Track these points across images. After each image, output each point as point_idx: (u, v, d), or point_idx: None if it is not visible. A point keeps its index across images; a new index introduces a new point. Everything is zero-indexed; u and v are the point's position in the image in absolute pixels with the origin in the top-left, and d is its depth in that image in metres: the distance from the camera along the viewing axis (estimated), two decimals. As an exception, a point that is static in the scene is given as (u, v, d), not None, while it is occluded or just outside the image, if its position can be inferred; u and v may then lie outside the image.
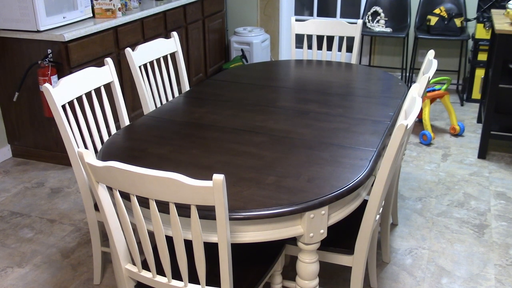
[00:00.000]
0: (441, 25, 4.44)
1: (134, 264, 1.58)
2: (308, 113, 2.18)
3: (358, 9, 5.18)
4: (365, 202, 1.74)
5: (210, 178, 1.22)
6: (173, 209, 1.31)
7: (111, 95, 3.14)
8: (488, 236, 2.66)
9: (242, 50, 5.03)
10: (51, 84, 3.04)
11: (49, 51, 3.13)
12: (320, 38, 4.74)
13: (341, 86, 2.56)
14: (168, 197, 1.28)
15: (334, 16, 5.29)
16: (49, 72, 3.07)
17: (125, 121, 2.29)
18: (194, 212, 1.30)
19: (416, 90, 1.82)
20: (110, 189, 1.45)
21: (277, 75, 2.77)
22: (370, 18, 4.80)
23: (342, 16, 5.23)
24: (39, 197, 3.11)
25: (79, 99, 2.07)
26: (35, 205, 3.01)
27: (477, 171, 3.34)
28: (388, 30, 4.67)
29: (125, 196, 1.46)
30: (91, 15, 3.53)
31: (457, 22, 4.46)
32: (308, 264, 1.64)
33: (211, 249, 1.60)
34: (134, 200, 1.36)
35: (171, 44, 2.72)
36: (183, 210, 1.39)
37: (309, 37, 5.01)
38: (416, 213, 2.87)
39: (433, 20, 4.47)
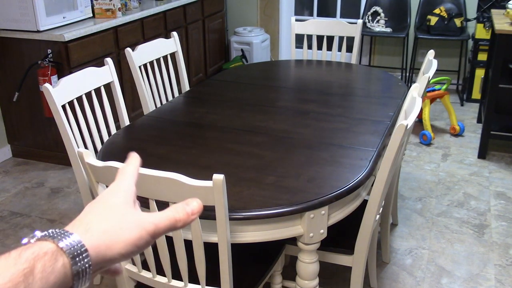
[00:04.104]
0: (441, 25, 4.44)
1: (134, 264, 1.58)
2: (308, 113, 2.18)
3: (358, 9, 5.18)
4: (365, 202, 1.74)
5: (210, 178, 1.22)
6: (173, 209, 1.31)
7: (111, 95, 3.13)
8: (488, 236, 2.66)
9: (242, 50, 5.03)
10: (51, 84, 3.03)
11: (49, 51, 3.13)
12: (320, 38, 4.74)
13: (341, 86, 2.56)
14: (168, 197, 1.28)
15: (334, 16, 5.29)
16: (49, 72, 3.07)
17: (125, 121, 2.29)
18: (194, 212, 1.29)
19: (416, 90, 1.82)
20: (110, 189, 1.45)
21: (277, 75, 2.77)
22: (370, 18, 4.79)
23: (342, 16, 5.23)
24: (39, 197, 3.11)
25: (79, 99, 2.06)
26: (35, 205, 3.01)
27: (477, 171, 3.34)
28: (388, 30, 4.67)
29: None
30: (91, 15, 3.53)
31: (457, 22, 4.46)
32: (308, 264, 1.64)
33: (211, 249, 1.60)
34: (134, 200, 1.36)
35: (171, 44, 2.72)
36: (183, 210, 1.39)
37: (309, 37, 5.01)
38: (416, 213, 2.87)
39: (433, 20, 4.47)
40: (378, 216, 1.85)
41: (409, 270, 2.40)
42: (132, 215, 0.54)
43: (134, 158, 0.67)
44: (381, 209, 2.06)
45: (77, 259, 0.47)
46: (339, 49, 3.37)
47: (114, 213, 0.54)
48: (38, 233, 0.49)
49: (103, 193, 0.58)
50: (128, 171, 0.63)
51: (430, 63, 2.25)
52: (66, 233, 0.49)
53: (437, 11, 4.50)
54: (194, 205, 0.58)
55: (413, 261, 2.47)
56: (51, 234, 0.48)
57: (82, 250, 0.48)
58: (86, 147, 2.12)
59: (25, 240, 0.49)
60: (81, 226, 0.51)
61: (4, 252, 0.47)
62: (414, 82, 2.35)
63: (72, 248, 0.48)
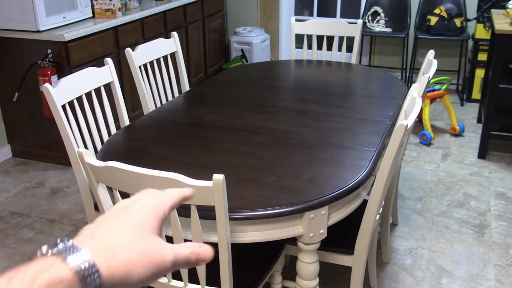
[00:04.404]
0: (441, 25, 4.44)
1: (134, 264, 1.58)
2: (308, 113, 2.18)
3: (358, 9, 5.18)
4: (365, 202, 1.74)
5: (210, 178, 1.22)
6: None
7: (111, 95, 3.14)
8: (488, 236, 2.66)
9: (242, 50, 5.03)
10: (51, 84, 3.03)
11: (49, 51, 3.13)
12: (320, 38, 4.74)
13: (341, 86, 2.56)
14: (168, 197, 1.28)
15: (334, 16, 5.29)
16: (49, 72, 3.07)
17: (125, 121, 2.29)
18: (194, 212, 1.30)
19: (416, 90, 1.82)
20: (110, 189, 1.45)
21: (277, 75, 2.77)
22: (370, 18, 4.79)
23: (342, 16, 5.23)
24: (39, 197, 3.11)
25: (79, 99, 2.06)
26: (35, 205, 3.01)
27: (477, 171, 3.34)
28: (388, 30, 4.67)
29: (125, 196, 1.45)
30: (91, 15, 3.53)
31: (457, 22, 4.46)
32: (308, 264, 1.64)
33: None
34: (134, 200, 1.36)
35: (171, 44, 2.72)
36: (183, 210, 1.39)
37: (309, 37, 5.01)
38: (416, 213, 2.87)
39: (433, 20, 4.47)
40: (378, 216, 1.85)
41: (409, 270, 2.40)
42: (155, 247, 0.51)
43: (188, 189, 0.62)
44: (381, 209, 2.06)
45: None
46: (339, 49, 3.37)
47: (138, 239, 0.50)
48: (60, 245, 0.47)
49: (133, 200, 0.55)
50: (174, 191, 0.58)
51: (430, 63, 2.25)
52: (84, 255, 0.47)
53: (437, 11, 4.50)
54: (206, 249, 0.55)
55: (413, 261, 2.47)
56: (69, 253, 0.47)
57: (96, 281, 0.46)
58: (86, 147, 2.12)
59: (44, 249, 0.47)
60: (102, 245, 0.49)
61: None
62: (414, 82, 2.35)
63: (88, 278, 0.46)
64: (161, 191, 0.57)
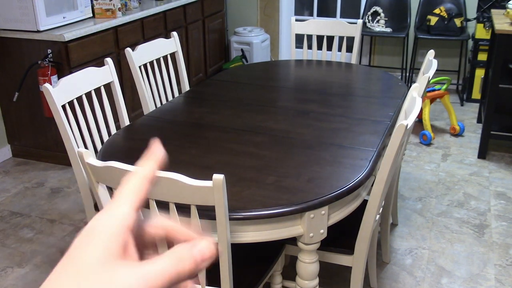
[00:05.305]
0: (441, 25, 4.44)
1: (134, 264, 1.58)
2: (308, 113, 2.18)
3: (358, 9, 5.18)
4: (365, 202, 1.74)
5: (210, 178, 1.22)
6: (173, 209, 1.31)
7: (111, 95, 3.14)
8: (488, 236, 2.66)
9: (242, 50, 5.03)
10: (51, 84, 3.03)
11: (49, 51, 3.13)
12: (320, 38, 4.74)
13: (341, 86, 2.56)
14: (168, 197, 1.28)
15: (334, 16, 5.29)
16: (49, 72, 3.07)
17: (125, 121, 2.29)
18: (194, 212, 1.30)
19: (416, 90, 1.82)
20: (110, 189, 1.45)
21: (277, 75, 2.77)
22: (370, 18, 4.79)
23: (342, 16, 5.23)
24: (39, 197, 3.11)
25: (79, 99, 2.06)
26: (35, 205, 3.01)
27: (477, 171, 3.34)
28: (388, 30, 4.67)
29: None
30: (91, 15, 3.53)
31: (457, 22, 4.46)
32: (308, 264, 1.64)
33: (211, 249, 1.60)
34: (134, 200, 1.36)
35: (171, 44, 2.72)
36: (183, 210, 1.39)
37: (309, 37, 5.01)
38: (416, 213, 2.87)
39: (433, 20, 4.47)
40: (378, 216, 1.85)
41: (409, 270, 2.40)
42: (117, 281, 0.35)
43: (154, 151, 0.44)
44: (381, 209, 2.06)
45: None
46: (339, 49, 3.37)
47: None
48: None
49: (82, 235, 0.38)
50: (132, 185, 0.41)
51: (430, 63, 2.24)
52: None
53: (437, 11, 4.50)
54: (202, 247, 0.39)
55: (413, 261, 2.47)
56: None
57: None
58: (86, 147, 2.12)
59: None
60: None
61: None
62: (414, 82, 2.35)
63: None
64: (114, 200, 0.41)
